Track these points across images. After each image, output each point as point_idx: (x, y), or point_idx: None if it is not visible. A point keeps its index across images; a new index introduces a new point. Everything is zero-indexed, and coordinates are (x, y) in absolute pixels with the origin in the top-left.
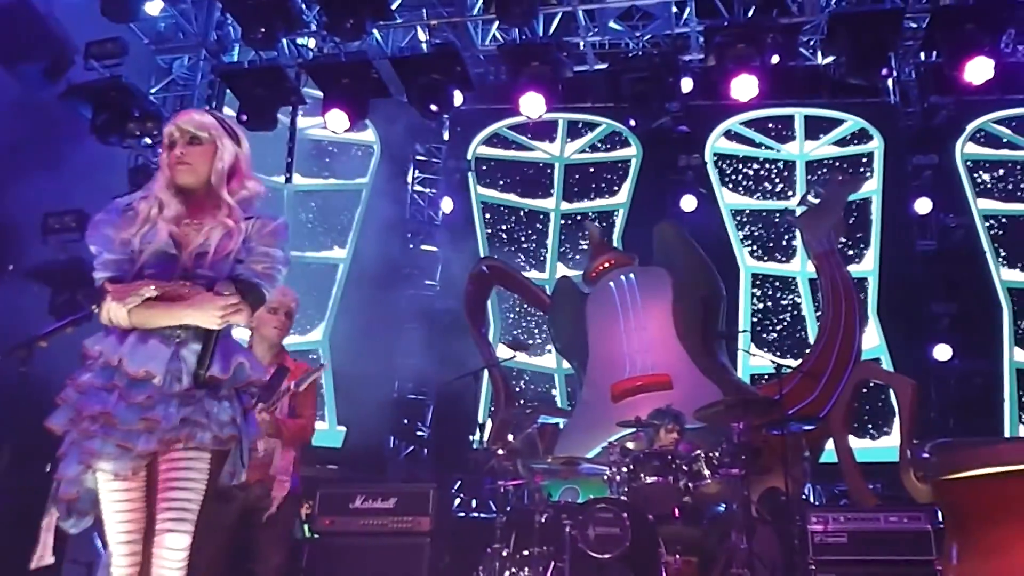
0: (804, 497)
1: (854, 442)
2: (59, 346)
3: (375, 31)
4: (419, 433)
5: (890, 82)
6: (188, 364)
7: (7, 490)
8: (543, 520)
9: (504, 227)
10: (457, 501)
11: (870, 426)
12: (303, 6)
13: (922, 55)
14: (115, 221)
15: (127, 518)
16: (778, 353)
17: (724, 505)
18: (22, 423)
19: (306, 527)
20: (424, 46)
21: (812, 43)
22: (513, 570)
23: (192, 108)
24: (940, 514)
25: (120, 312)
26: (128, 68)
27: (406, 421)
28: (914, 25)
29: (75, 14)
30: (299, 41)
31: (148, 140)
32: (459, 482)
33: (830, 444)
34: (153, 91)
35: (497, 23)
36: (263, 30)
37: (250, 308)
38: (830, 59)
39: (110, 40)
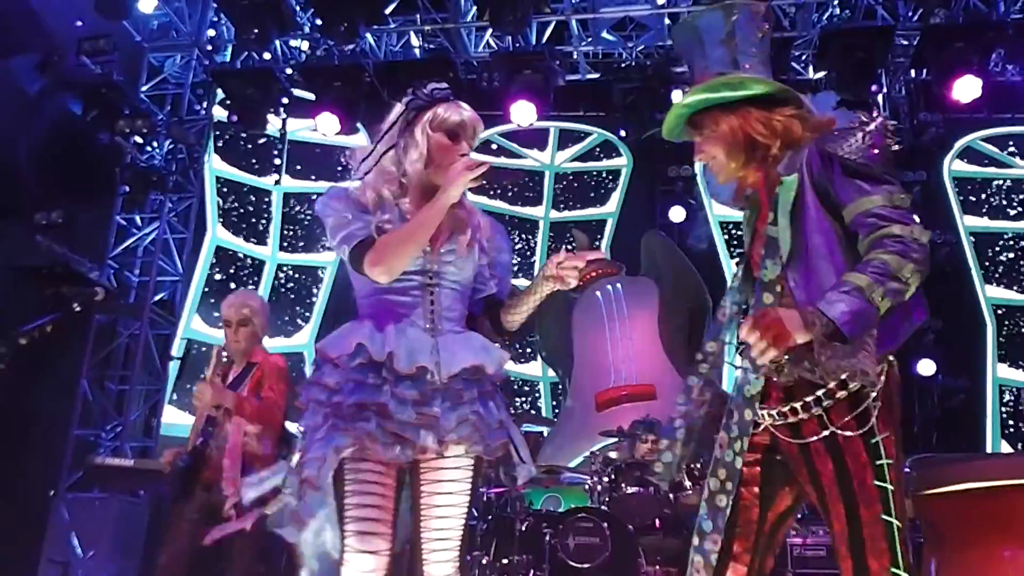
0: None
1: None
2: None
3: (368, 35)
4: None
5: (880, 98)
6: (452, 355)
7: None
8: (524, 528)
9: None
10: None
11: None
12: (297, 8)
13: (912, 72)
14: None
15: (373, 515)
16: None
17: None
18: None
19: None
20: (417, 51)
21: (804, 58)
22: None
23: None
24: (920, 529)
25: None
26: (120, 65)
27: None
28: (905, 42)
29: (69, 9)
30: (292, 43)
31: (138, 138)
32: None
33: None
34: (144, 89)
35: (490, 30)
36: (256, 31)
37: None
38: (821, 74)
39: (102, 36)
